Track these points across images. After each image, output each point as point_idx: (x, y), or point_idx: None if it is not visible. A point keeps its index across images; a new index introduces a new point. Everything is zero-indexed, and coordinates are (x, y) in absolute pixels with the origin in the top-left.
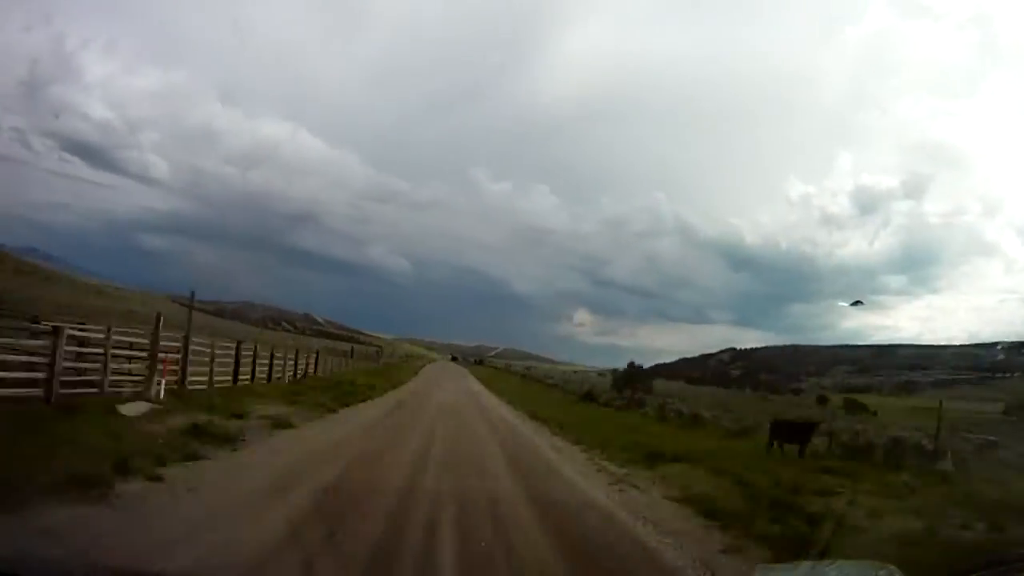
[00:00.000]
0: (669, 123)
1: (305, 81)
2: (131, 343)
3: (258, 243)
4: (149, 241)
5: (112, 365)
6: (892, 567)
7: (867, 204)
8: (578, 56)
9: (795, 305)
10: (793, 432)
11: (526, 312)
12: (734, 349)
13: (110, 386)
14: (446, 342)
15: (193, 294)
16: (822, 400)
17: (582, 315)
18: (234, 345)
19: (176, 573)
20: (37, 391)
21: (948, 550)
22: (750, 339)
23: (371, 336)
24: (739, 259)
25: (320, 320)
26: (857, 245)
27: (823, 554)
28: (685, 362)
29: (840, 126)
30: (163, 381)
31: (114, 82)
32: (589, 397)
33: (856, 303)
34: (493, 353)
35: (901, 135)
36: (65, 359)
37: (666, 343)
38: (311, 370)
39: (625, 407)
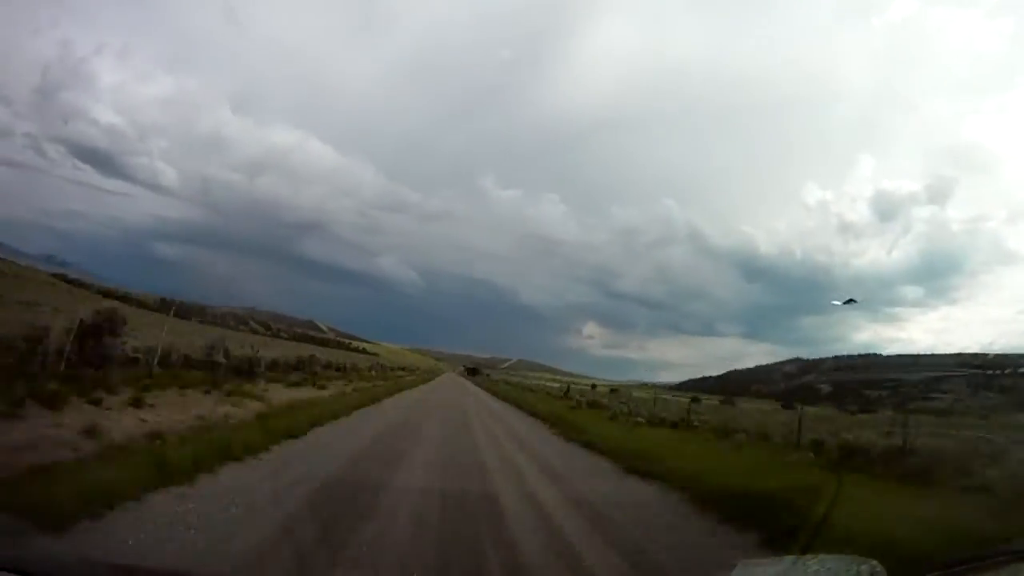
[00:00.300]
0: (680, 127)
1: (317, 88)
2: None
3: (268, 251)
4: (161, 248)
5: None
6: (874, 562)
7: (887, 210)
8: (589, 60)
9: (807, 318)
10: None
11: (536, 324)
12: (800, 360)
13: None
14: (457, 353)
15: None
16: None
17: (592, 328)
18: None
19: (173, 571)
20: None
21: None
22: (758, 353)
23: (377, 345)
24: (753, 269)
25: (323, 327)
26: (875, 254)
27: (806, 548)
28: (739, 375)
29: (862, 127)
30: None
31: (126, 90)
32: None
33: (849, 301)
34: (506, 365)
35: (926, 136)
36: None
37: (677, 356)
38: None
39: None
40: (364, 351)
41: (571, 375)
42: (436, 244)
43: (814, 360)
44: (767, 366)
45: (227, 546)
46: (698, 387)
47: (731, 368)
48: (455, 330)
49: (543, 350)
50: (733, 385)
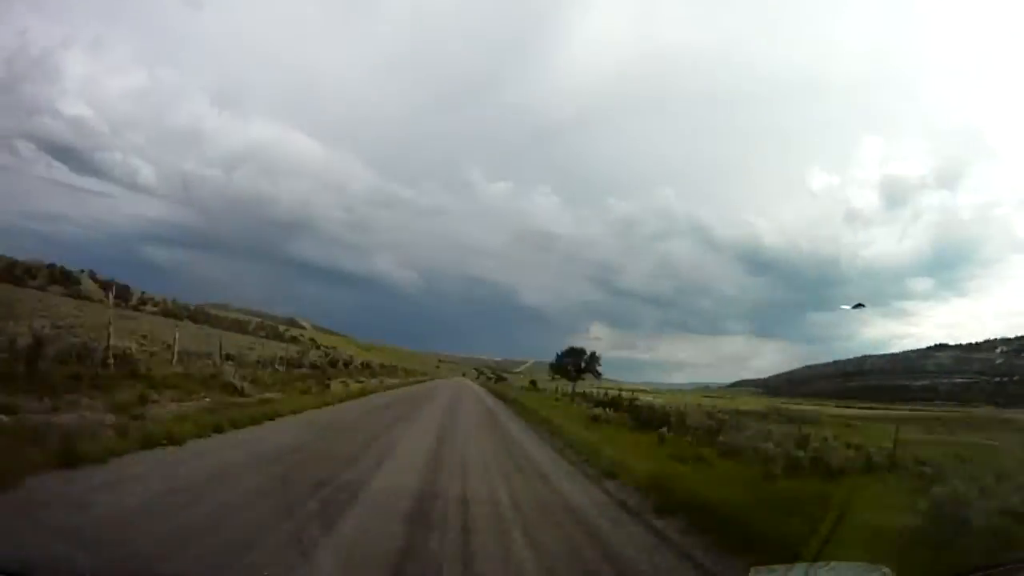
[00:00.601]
0: (674, 110)
1: (300, 81)
2: None
3: (258, 252)
4: (149, 251)
5: None
6: (887, 569)
7: (895, 196)
8: (581, 48)
9: (816, 314)
10: None
11: (542, 325)
12: (945, 346)
13: None
14: (467, 356)
15: None
16: None
17: (598, 328)
18: None
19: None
20: None
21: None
22: (768, 351)
23: (366, 346)
24: (759, 262)
25: (304, 324)
26: (884, 244)
27: (818, 556)
28: (827, 369)
29: (864, 108)
30: None
31: (99, 83)
32: None
33: (858, 306)
34: (520, 368)
35: (930, 116)
36: None
37: (687, 356)
38: None
39: None
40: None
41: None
42: (433, 242)
43: (965, 345)
44: (894, 357)
45: None
46: (759, 388)
47: (805, 363)
48: (460, 332)
49: (554, 352)
50: (800, 383)
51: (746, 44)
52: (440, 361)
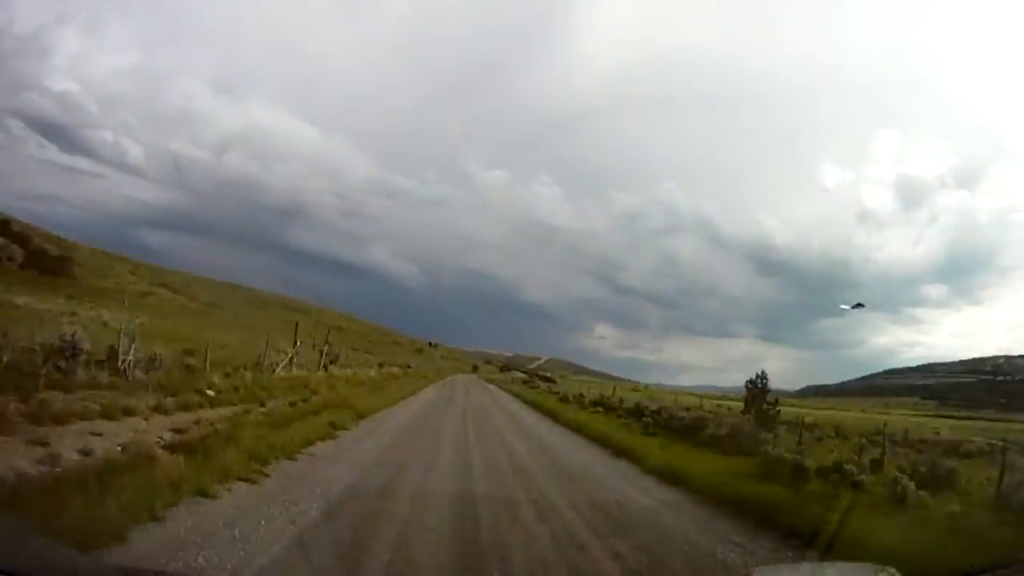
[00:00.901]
0: (681, 106)
1: (303, 66)
2: None
3: (256, 240)
4: (145, 235)
5: None
6: (892, 569)
7: (912, 196)
8: (590, 43)
9: (825, 319)
10: None
11: (546, 321)
12: None
13: None
14: (474, 350)
15: None
16: None
17: (604, 328)
18: None
19: (180, 573)
20: None
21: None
22: (772, 357)
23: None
24: (768, 263)
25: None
26: (898, 247)
27: (823, 556)
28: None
29: (880, 103)
30: None
31: (93, 61)
32: None
33: (857, 306)
34: (535, 364)
35: (951, 112)
36: None
37: (692, 358)
38: None
39: None
40: None
41: (608, 377)
42: (434, 234)
43: None
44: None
45: None
46: (828, 395)
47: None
48: (464, 326)
49: (564, 348)
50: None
51: (755, 39)
52: (430, 344)
